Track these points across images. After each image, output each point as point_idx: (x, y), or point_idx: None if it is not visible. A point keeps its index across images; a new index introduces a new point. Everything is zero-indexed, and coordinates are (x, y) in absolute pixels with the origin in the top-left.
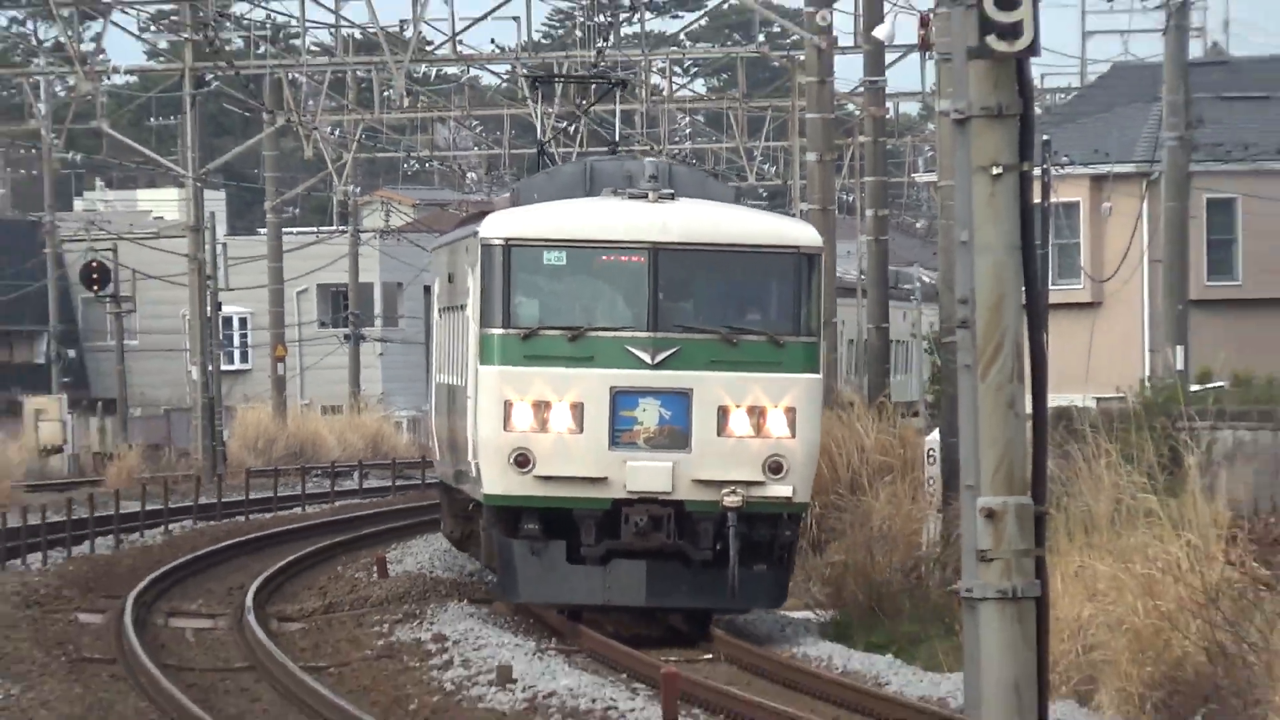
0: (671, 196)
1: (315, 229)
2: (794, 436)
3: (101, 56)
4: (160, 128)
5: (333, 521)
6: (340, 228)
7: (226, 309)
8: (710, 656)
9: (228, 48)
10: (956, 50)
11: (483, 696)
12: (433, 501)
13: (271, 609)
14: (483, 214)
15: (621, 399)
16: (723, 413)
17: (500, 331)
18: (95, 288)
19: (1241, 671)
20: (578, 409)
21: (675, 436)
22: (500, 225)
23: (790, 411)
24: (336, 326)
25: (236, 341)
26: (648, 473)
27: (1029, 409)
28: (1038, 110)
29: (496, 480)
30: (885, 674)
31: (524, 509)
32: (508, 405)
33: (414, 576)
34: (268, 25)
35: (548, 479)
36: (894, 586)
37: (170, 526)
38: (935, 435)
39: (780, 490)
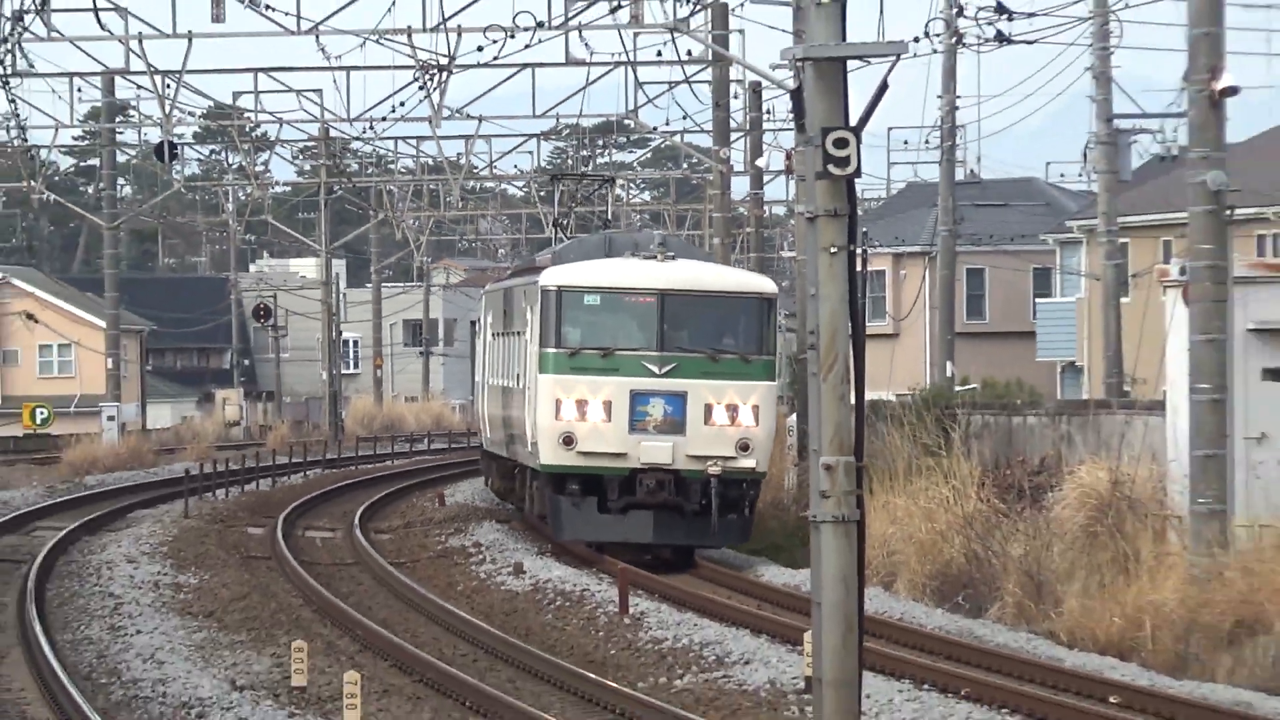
0: (673, 258)
1: (402, 284)
2: (758, 425)
3: (268, 174)
4: (304, 219)
5: (410, 470)
6: (418, 283)
7: (345, 334)
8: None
9: (348, 169)
10: (809, 174)
11: (504, 582)
12: (475, 460)
13: (370, 525)
14: (536, 268)
15: (637, 398)
16: (708, 408)
17: (553, 350)
18: (262, 320)
19: (987, 569)
20: (607, 405)
21: (675, 425)
22: (555, 276)
23: (755, 408)
24: (413, 346)
25: (351, 355)
26: (655, 450)
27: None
28: (860, 211)
29: (550, 454)
30: (760, 569)
31: (568, 475)
32: (558, 402)
33: (462, 506)
34: (373, 154)
35: (586, 454)
36: (766, 515)
37: (307, 472)
38: (794, 418)
39: (747, 463)
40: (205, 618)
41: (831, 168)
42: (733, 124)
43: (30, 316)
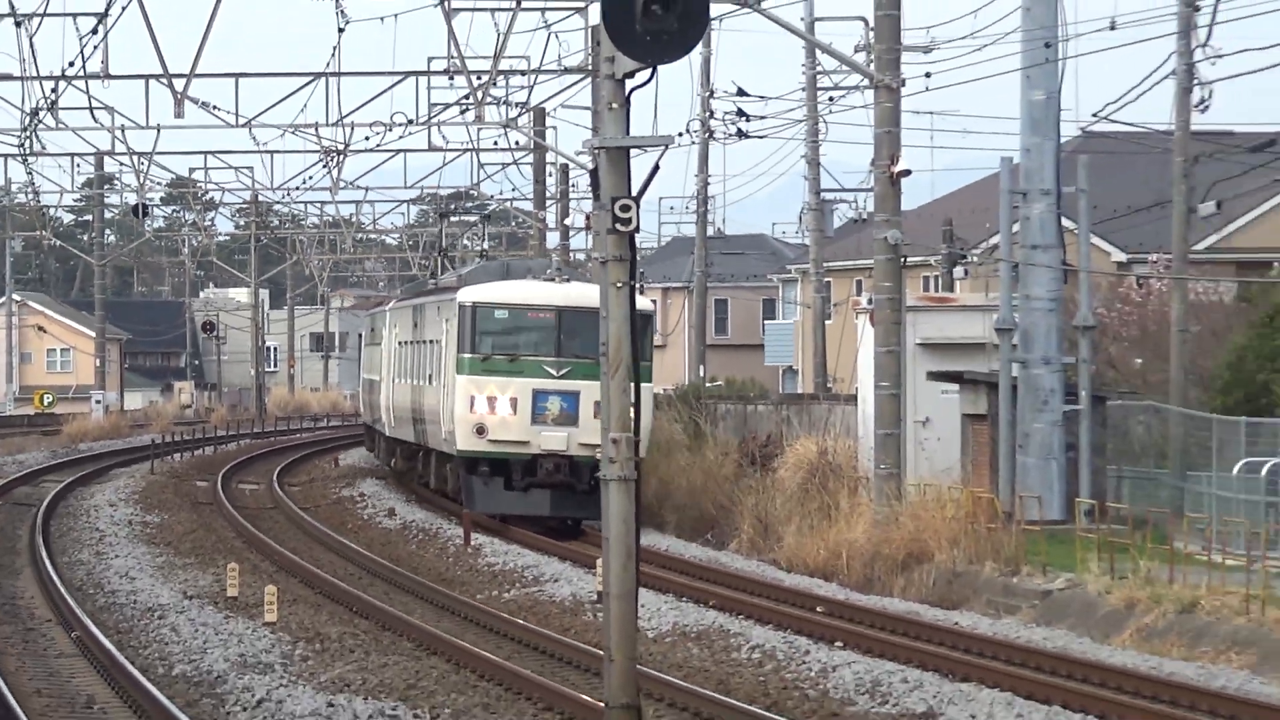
0: (567, 280)
1: (309, 307)
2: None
3: (213, 227)
4: (240, 259)
5: (313, 441)
6: (320, 306)
7: (268, 343)
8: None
9: (271, 224)
10: (601, 230)
11: (381, 522)
12: (361, 435)
13: (284, 480)
14: (451, 287)
15: (539, 395)
16: (596, 404)
17: (469, 355)
18: (208, 333)
19: (729, 515)
20: (514, 400)
21: (569, 418)
22: (471, 294)
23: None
24: (317, 351)
25: (271, 358)
26: (553, 438)
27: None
28: (638, 257)
29: (465, 441)
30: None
31: (480, 459)
32: (472, 398)
33: (350, 467)
34: (289, 214)
35: (495, 441)
36: None
37: (239, 442)
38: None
39: None
40: (165, 546)
41: (618, 225)
42: (548, 193)
43: (41, 329)
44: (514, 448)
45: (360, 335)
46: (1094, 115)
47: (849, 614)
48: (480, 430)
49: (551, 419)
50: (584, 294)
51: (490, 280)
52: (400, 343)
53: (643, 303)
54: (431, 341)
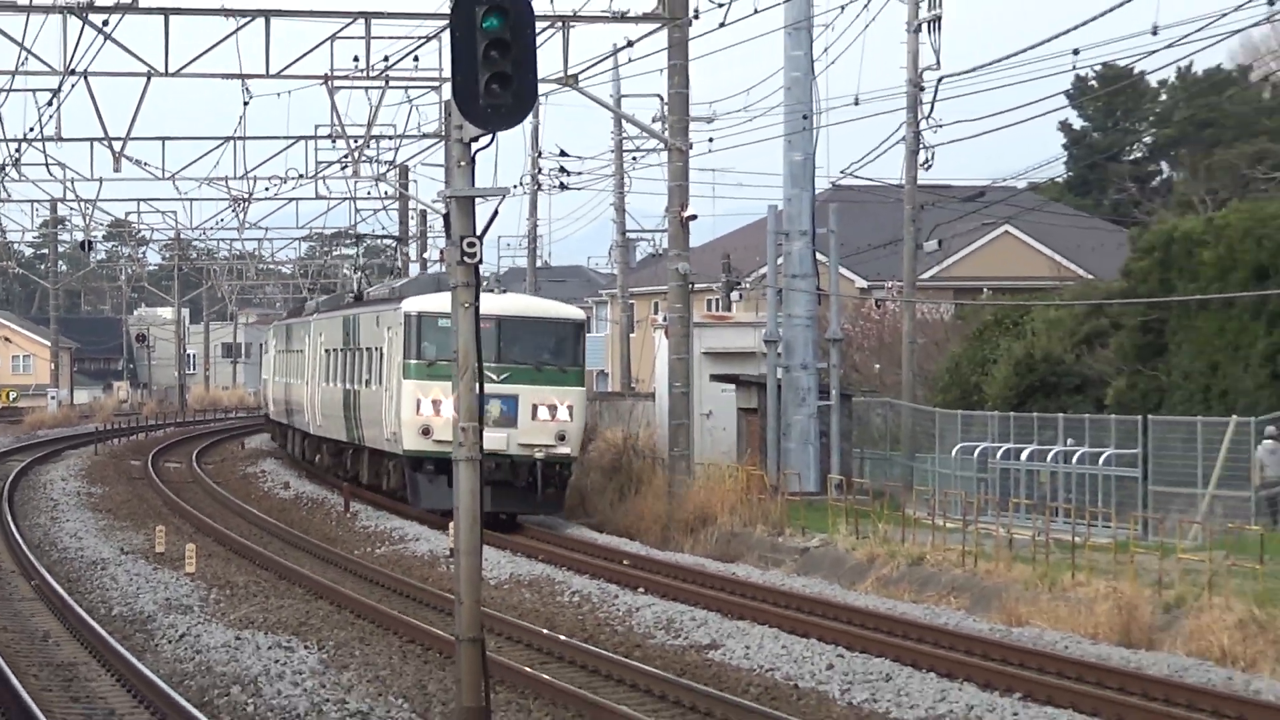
0: (504, 291)
1: (221, 322)
2: (572, 420)
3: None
4: (165, 284)
5: (225, 429)
6: (230, 322)
7: (189, 350)
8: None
9: (191, 256)
10: (452, 262)
11: (279, 493)
12: (261, 424)
13: (202, 460)
14: (389, 299)
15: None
16: (534, 407)
17: (415, 361)
18: (141, 342)
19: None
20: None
21: (509, 419)
22: (415, 304)
23: (570, 407)
24: (228, 358)
25: (192, 363)
26: (494, 439)
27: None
28: (481, 284)
29: (411, 442)
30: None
31: (425, 458)
32: (418, 401)
33: (253, 449)
34: (205, 249)
35: (440, 441)
36: None
37: (166, 429)
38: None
39: (564, 450)
40: (106, 513)
41: (465, 259)
42: (411, 232)
43: (7, 339)
44: None
45: (263, 344)
46: (841, 172)
47: (649, 566)
48: (426, 431)
49: (492, 420)
50: (523, 304)
51: (424, 292)
52: (328, 350)
53: (574, 311)
54: (369, 349)
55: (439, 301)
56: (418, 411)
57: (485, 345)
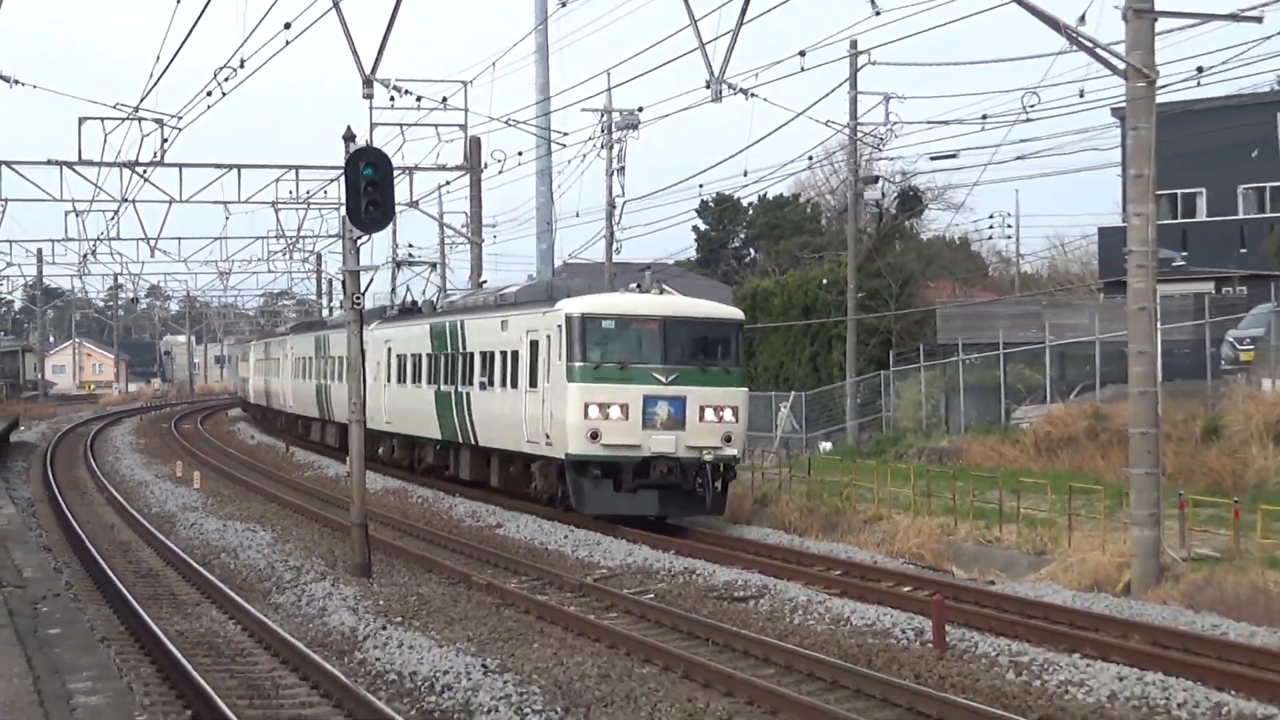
0: (662, 292)
1: (214, 343)
2: (737, 421)
3: (167, 309)
4: (181, 321)
5: (215, 406)
6: (217, 343)
7: (195, 360)
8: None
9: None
10: (348, 309)
11: (249, 443)
12: (237, 403)
13: (204, 423)
14: (530, 302)
15: (649, 401)
16: (701, 409)
17: (580, 364)
18: (167, 355)
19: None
20: (625, 407)
21: (677, 422)
22: (575, 306)
23: (734, 409)
24: (217, 364)
25: (196, 367)
26: (663, 441)
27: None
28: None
29: (577, 446)
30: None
31: (590, 462)
32: (586, 405)
33: (234, 416)
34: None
35: (608, 445)
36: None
37: (180, 406)
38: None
39: (730, 450)
40: (146, 453)
41: (355, 305)
42: (324, 290)
43: (89, 354)
44: (627, 451)
45: (236, 357)
46: (570, 255)
47: (464, 483)
48: (594, 435)
49: (661, 423)
50: (684, 305)
51: (538, 297)
52: (429, 354)
53: (734, 311)
54: (484, 353)
55: (604, 302)
56: (585, 415)
57: (648, 347)
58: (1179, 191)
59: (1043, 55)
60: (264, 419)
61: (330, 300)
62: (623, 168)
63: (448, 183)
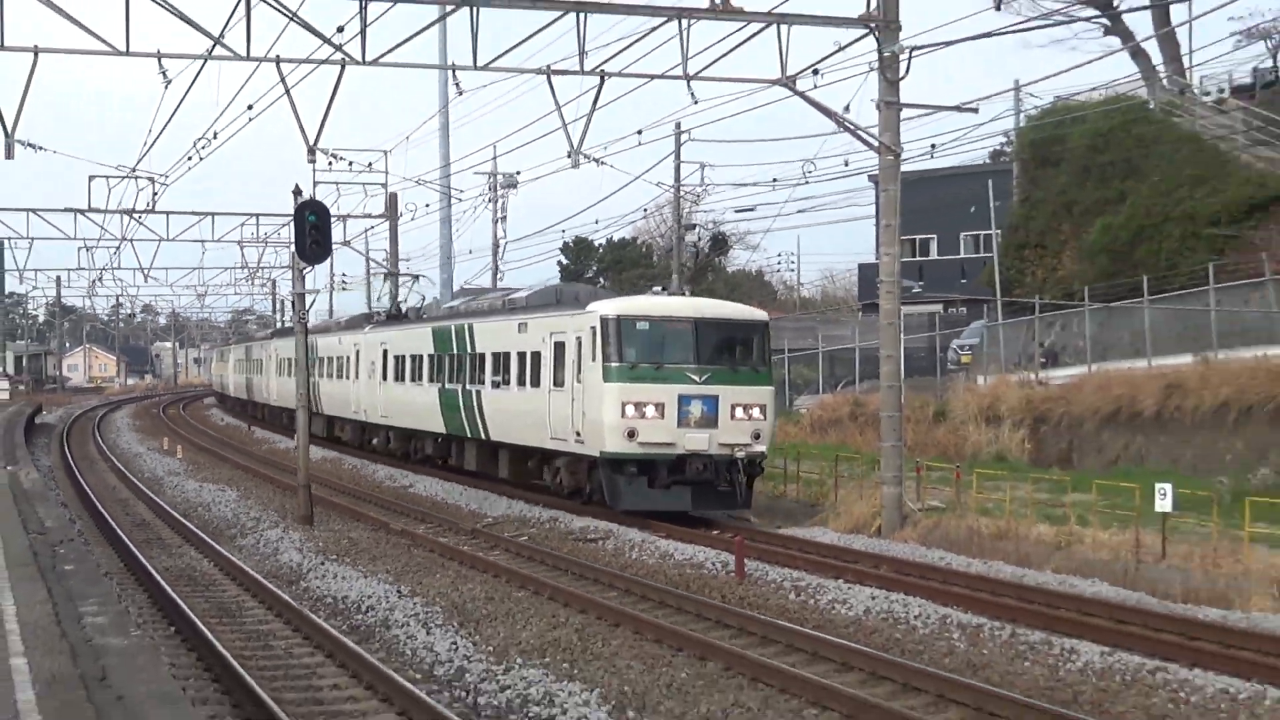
0: (692, 294)
1: (194, 348)
2: (765, 419)
3: (158, 322)
4: (168, 331)
5: (194, 396)
6: (195, 348)
7: (179, 360)
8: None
9: (180, 320)
10: (296, 324)
11: (219, 424)
12: (210, 394)
13: (186, 410)
14: (555, 304)
15: (684, 400)
16: (733, 407)
17: (617, 364)
18: (157, 358)
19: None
20: (660, 406)
21: (710, 420)
22: (610, 307)
23: (763, 407)
24: (196, 363)
25: (179, 366)
26: (697, 439)
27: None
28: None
29: (614, 444)
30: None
31: (626, 460)
32: (624, 404)
33: (209, 404)
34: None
35: (645, 444)
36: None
37: (167, 396)
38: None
39: (759, 447)
40: (141, 433)
41: (301, 321)
42: (277, 308)
43: (96, 356)
44: (662, 449)
45: (211, 357)
46: (464, 283)
47: (422, 462)
48: (631, 434)
49: (695, 421)
50: (713, 307)
51: (549, 301)
52: (412, 356)
53: (759, 313)
54: (522, 354)
55: (638, 304)
56: (622, 414)
57: (681, 347)
58: (917, 237)
59: (818, 135)
60: (239, 409)
61: (283, 316)
62: (505, 216)
63: (372, 227)
